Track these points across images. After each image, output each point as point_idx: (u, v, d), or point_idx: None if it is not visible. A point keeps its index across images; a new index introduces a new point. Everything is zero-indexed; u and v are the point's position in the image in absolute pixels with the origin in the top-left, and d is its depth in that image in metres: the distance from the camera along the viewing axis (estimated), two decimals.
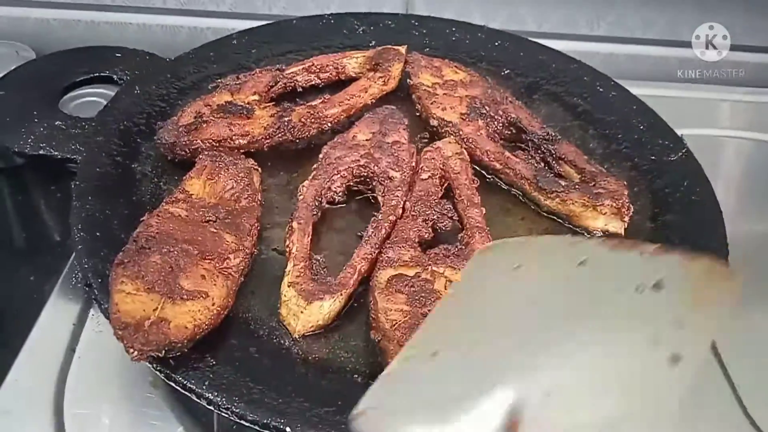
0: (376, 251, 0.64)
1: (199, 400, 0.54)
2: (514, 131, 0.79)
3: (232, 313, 0.60)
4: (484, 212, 0.69)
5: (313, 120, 0.77)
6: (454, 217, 0.69)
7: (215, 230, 0.63)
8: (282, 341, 0.59)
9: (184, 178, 0.69)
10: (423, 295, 0.58)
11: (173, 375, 0.54)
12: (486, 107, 0.79)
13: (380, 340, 0.57)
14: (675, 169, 0.77)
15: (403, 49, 0.87)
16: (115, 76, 0.84)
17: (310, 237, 0.65)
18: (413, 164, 0.73)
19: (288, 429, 0.51)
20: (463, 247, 0.65)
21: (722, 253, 0.67)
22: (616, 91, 0.87)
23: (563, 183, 0.72)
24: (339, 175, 0.71)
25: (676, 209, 0.73)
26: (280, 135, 0.76)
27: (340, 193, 0.71)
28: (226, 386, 0.54)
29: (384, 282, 0.60)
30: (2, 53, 0.96)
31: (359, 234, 0.67)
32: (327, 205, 0.71)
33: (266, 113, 0.77)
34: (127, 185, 0.71)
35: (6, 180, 0.95)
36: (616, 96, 0.86)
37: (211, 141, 0.73)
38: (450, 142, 0.76)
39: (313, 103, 0.79)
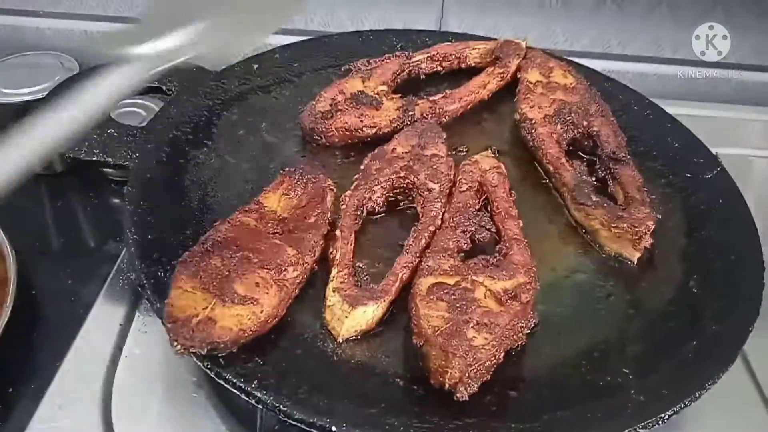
0: (417, 260, 0.66)
1: (247, 399, 0.55)
2: (591, 144, 0.81)
3: (280, 317, 0.62)
4: (521, 224, 0.70)
5: (433, 114, 0.82)
6: (491, 229, 0.70)
7: (279, 242, 0.64)
8: (326, 345, 0.61)
9: (262, 191, 0.71)
10: (464, 303, 0.60)
11: (223, 373, 0.56)
12: (573, 114, 0.81)
13: (422, 346, 0.58)
14: (710, 186, 0.78)
15: (523, 43, 0.91)
16: (164, 87, 0.86)
17: (353, 245, 0.67)
18: (451, 176, 0.75)
19: (334, 428, 0.53)
20: (502, 258, 0.66)
21: (758, 269, 0.68)
22: (650, 109, 0.89)
23: (594, 198, 0.73)
24: (379, 186, 0.73)
25: (711, 225, 0.74)
26: (403, 127, 0.81)
27: (381, 204, 0.73)
28: (273, 386, 0.55)
29: (425, 290, 0.62)
30: (48, 64, 0.99)
31: (400, 243, 0.69)
32: (368, 215, 0.72)
33: (393, 105, 0.82)
34: (176, 191, 0.73)
35: (46, 186, 0.98)
36: (650, 114, 0.88)
37: (343, 129, 0.79)
38: (488, 156, 0.78)
39: (435, 98, 0.84)
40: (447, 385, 0.56)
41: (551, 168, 0.77)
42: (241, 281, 0.60)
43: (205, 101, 0.84)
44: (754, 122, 1.10)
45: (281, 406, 0.54)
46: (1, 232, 0.77)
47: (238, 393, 0.56)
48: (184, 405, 0.67)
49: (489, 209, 0.73)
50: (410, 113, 0.81)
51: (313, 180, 0.71)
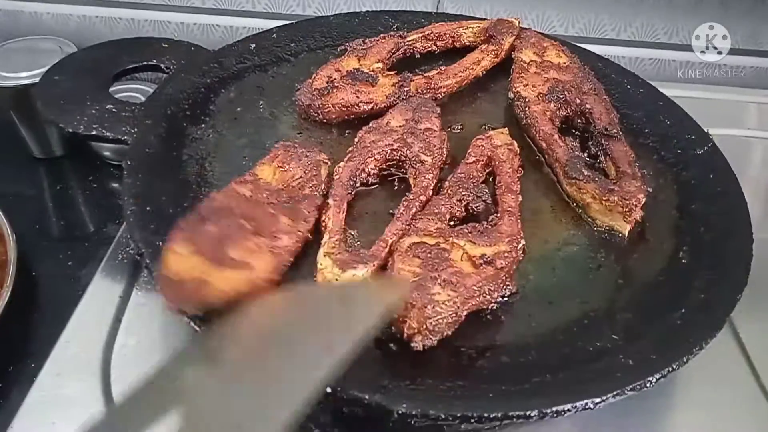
0: (407, 227, 0.67)
1: None
2: (584, 121, 0.82)
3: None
4: (519, 199, 0.71)
5: (428, 90, 0.83)
6: (488, 201, 0.71)
7: (273, 212, 0.65)
8: None
9: (256, 163, 0.71)
10: (436, 261, 0.61)
11: None
12: (566, 92, 0.82)
13: None
14: (701, 161, 0.79)
15: (516, 21, 0.92)
16: (162, 65, 0.87)
17: (345, 213, 0.68)
18: (444, 150, 0.76)
19: (329, 389, 0.54)
20: (489, 227, 0.67)
21: (747, 240, 0.69)
22: (643, 88, 0.89)
23: (586, 173, 0.74)
24: (373, 158, 0.74)
25: (701, 199, 0.75)
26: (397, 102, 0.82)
27: (374, 175, 0.74)
28: None
29: (405, 246, 0.63)
30: (46, 48, 0.99)
31: (390, 212, 0.70)
32: (360, 186, 0.73)
33: (388, 81, 0.83)
34: (173, 165, 0.74)
35: (45, 170, 1.00)
36: (643, 93, 0.89)
37: (340, 106, 0.80)
38: (502, 133, 0.79)
39: (430, 74, 0.85)
40: (405, 335, 0.57)
41: (544, 144, 0.78)
42: (235, 247, 0.60)
43: (203, 79, 0.84)
44: (749, 104, 1.11)
45: None
46: (2, 215, 0.78)
47: None
48: None
49: (493, 183, 0.74)
50: (405, 89, 0.82)
51: (307, 153, 0.72)
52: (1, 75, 0.94)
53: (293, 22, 0.97)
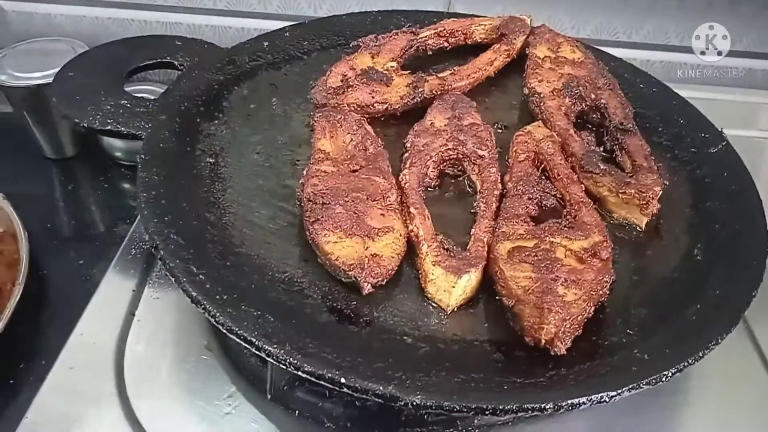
0: (494, 223, 0.67)
1: (258, 353, 0.56)
2: (599, 116, 0.82)
3: (289, 277, 0.63)
4: (583, 188, 0.71)
5: (443, 91, 0.83)
6: (557, 195, 0.71)
7: (366, 176, 0.68)
8: (335, 304, 0.61)
9: (313, 140, 0.75)
10: (548, 262, 0.61)
11: (235, 329, 0.56)
12: (581, 88, 0.82)
13: (513, 306, 0.59)
14: (715, 159, 0.79)
15: (528, 19, 0.92)
16: (176, 62, 0.88)
17: (430, 219, 0.67)
18: (494, 142, 0.76)
19: (342, 380, 0.53)
20: (573, 220, 0.67)
21: (762, 237, 0.68)
22: (656, 87, 0.89)
23: (602, 166, 0.73)
24: (432, 160, 0.74)
25: (716, 197, 0.74)
26: (412, 103, 0.82)
27: (435, 178, 0.74)
28: (285, 340, 0.56)
29: (506, 254, 0.63)
30: (60, 49, 0.99)
31: (472, 212, 0.70)
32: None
33: (403, 82, 0.83)
34: (187, 160, 0.74)
35: (57, 171, 1.00)
36: (656, 92, 0.89)
37: (355, 105, 0.80)
38: (539, 126, 0.79)
39: (444, 75, 0.85)
40: (543, 341, 0.57)
41: (560, 140, 0.78)
42: (369, 217, 0.64)
43: (216, 76, 0.85)
44: (762, 105, 1.11)
45: (291, 359, 0.54)
46: (15, 214, 0.79)
47: (249, 347, 0.56)
48: (194, 366, 0.68)
49: (549, 177, 0.74)
50: (420, 90, 0.82)
51: (345, 116, 0.75)
52: (14, 75, 0.94)
53: (305, 21, 0.98)
